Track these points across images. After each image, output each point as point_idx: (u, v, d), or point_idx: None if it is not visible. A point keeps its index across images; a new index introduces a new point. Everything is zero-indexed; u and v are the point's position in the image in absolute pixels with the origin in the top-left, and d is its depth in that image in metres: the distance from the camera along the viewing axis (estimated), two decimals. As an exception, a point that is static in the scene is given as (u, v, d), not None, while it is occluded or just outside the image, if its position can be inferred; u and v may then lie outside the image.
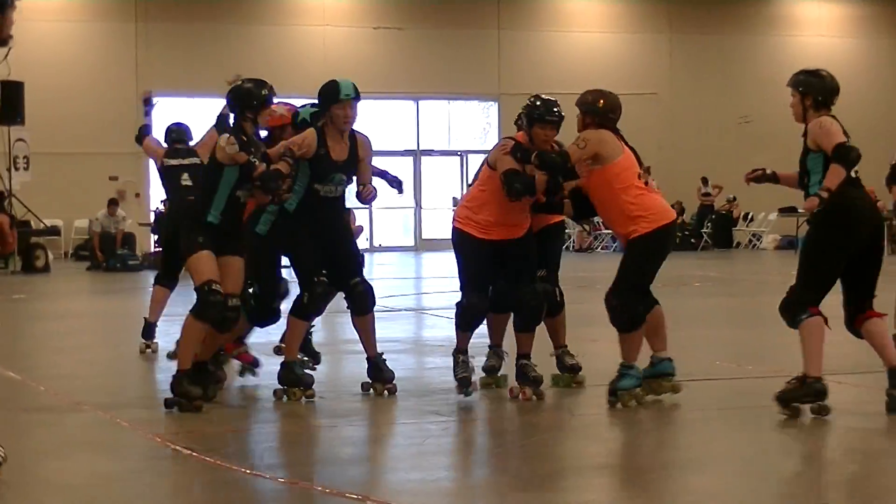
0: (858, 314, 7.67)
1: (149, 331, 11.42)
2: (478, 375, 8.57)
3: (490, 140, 31.84)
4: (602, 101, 8.13)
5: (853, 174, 7.53)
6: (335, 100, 8.37)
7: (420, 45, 32.43)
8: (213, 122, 11.92)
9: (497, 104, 33.06)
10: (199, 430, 7.46)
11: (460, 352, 8.40)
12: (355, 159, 8.47)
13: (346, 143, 8.44)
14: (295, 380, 8.36)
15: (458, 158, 33.99)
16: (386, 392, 8.53)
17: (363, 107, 8.57)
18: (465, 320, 8.37)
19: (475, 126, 34.41)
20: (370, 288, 8.61)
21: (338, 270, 8.47)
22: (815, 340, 7.51)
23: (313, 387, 8.39)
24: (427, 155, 33.86)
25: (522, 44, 33.24)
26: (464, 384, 8.32)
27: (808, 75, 7.80)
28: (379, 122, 30.22)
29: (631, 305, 7.92)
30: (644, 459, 6.89)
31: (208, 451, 6.80)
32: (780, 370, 9.19)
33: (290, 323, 8.54)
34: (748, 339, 12.30)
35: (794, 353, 7.56)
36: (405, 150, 33.27)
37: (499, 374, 8.78)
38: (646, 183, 8.04)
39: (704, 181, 33.19)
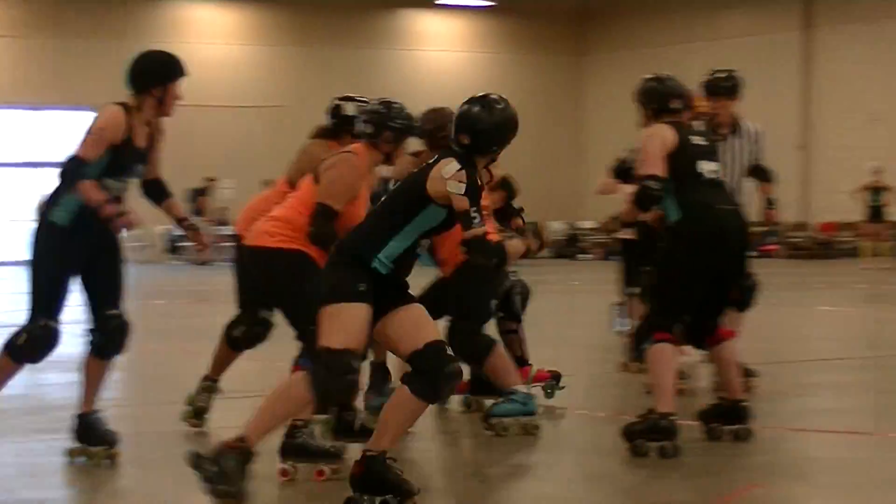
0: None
1: None
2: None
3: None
4: None
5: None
6: (176, 76, 6.48)
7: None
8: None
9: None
10: None
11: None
12: (153, 144, 6.63)
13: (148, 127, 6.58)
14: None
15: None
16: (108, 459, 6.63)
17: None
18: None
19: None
20: (127, 323, 6.60)
21: (97, 296, 6.50)
22: (659, 370, 6.71)
23: None
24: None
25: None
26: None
27: (645, 83, 7.05)
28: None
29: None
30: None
31: None
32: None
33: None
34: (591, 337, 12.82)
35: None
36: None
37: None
38: None
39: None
